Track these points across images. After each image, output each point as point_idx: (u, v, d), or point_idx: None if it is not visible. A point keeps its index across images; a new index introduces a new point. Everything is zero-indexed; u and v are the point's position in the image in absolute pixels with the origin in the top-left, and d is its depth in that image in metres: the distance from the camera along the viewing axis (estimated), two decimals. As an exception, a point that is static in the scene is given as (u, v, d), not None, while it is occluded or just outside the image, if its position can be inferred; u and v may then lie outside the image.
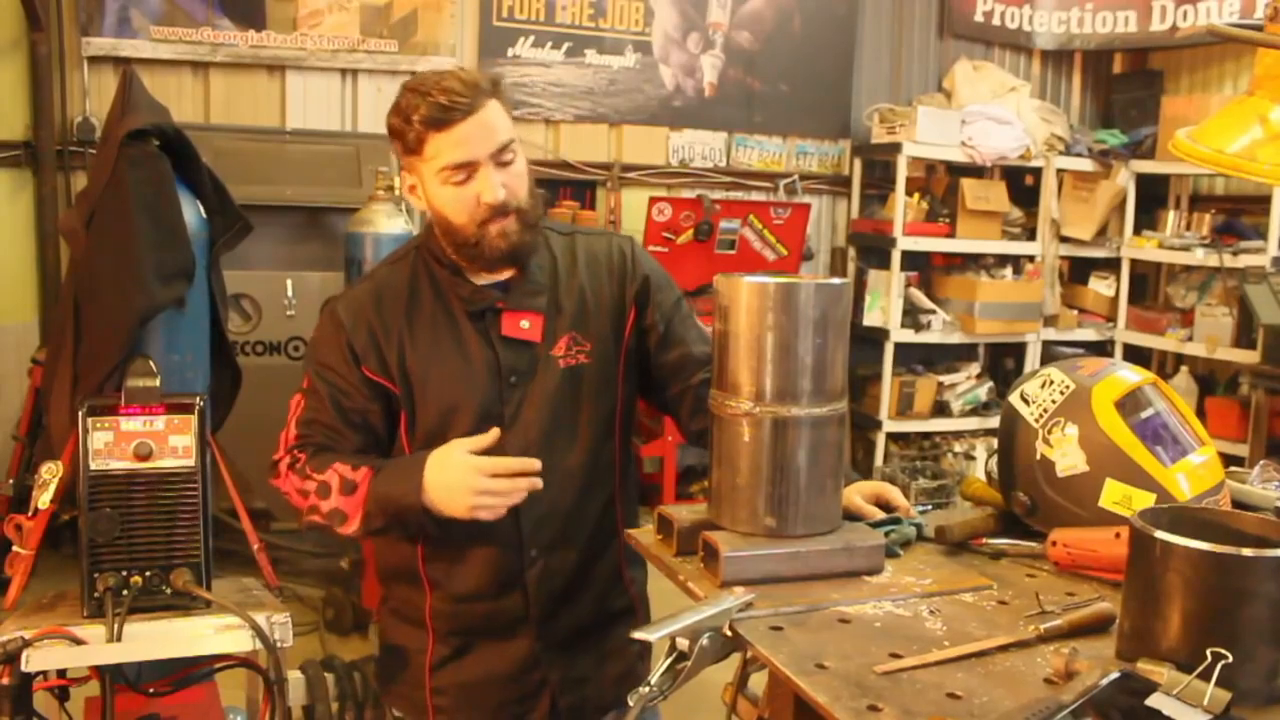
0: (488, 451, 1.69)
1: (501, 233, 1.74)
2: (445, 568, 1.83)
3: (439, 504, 1.67)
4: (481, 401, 1.78)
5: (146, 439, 1.81)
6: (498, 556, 1.81)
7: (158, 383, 1.85)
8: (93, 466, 1.78)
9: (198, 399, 1.86)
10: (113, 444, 1.79)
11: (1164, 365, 6.00)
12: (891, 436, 5.77)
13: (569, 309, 1.83)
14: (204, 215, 2.31)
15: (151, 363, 1.89)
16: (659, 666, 1.27)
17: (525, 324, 1.80)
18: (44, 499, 1.88)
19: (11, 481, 4.11)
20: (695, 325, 1.93)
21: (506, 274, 1.82)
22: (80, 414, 1.79)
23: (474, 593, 1.83)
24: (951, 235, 5.69)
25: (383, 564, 1.95)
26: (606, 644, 1.91)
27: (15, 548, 1.89)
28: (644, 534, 1.70)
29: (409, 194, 1.81)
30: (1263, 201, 5.38)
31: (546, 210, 1.92)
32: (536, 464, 1.68)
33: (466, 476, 1.66)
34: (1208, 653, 1.11)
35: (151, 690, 1.89)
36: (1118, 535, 1.47)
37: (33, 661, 1.67)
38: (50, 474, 1.89)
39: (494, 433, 1.70)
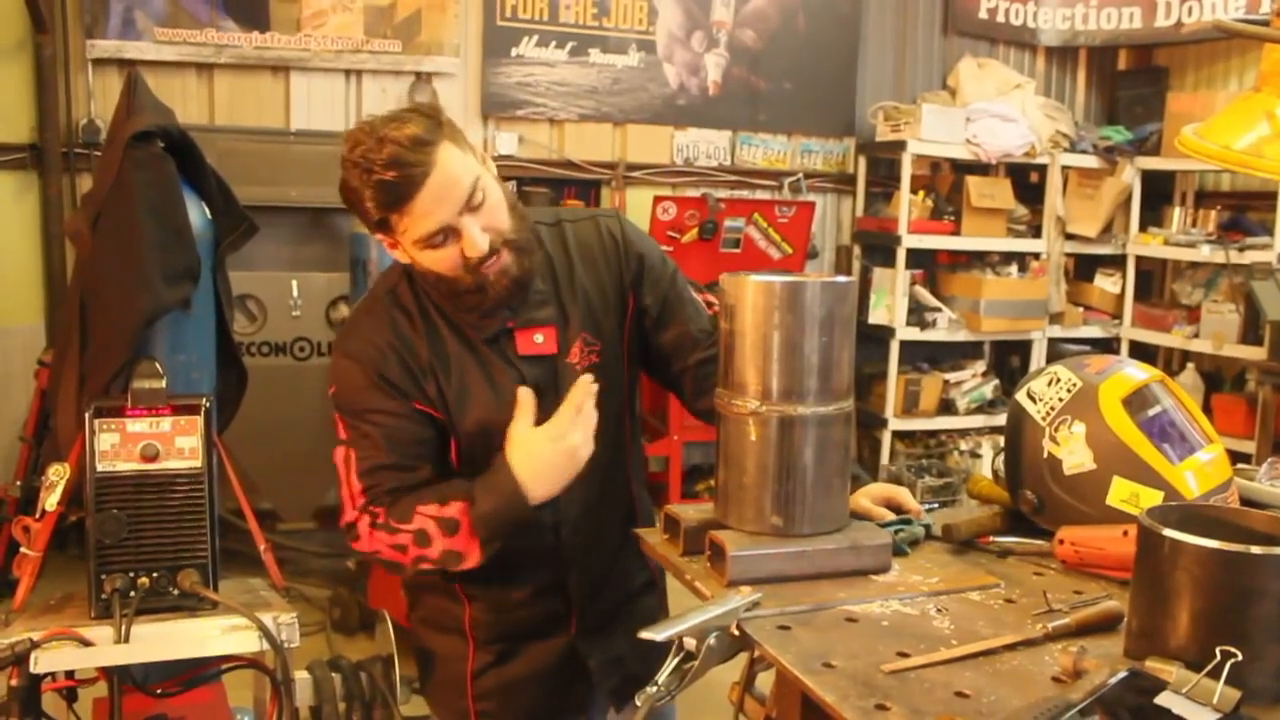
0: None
1: (501, 271, 1.66)
2: (483, 583, 1.80)
3: (548, 489, 1.64)
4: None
5: (153, 440, 1.81)
6: (537, 565, 1.79)
7: (164, 384, 1.85)
8: (99, 468, 1.78)
9: (204, 400, 1.86)
10: (119, 445, 1.80)
11: (1170, 362, 5.98)
12: (897, 435, 5.76)
13: (577, 313, 1.79)
14: (209, 216, 2.31)
15: (157, 364, 1.89)
16: (666, 666, 1.27)
17: (539, 339, 1.76)
18: (51, 501, 1.88)
19: (19, 483, 4.11)
20: (691, 300, 1.87)
21: None
22: (87, 415, 1.79)
23: (516, 602, 1.82)
24: (956, 233, 5.68)
25: (411, 579, 1.90)
26: (636, 619, 1.87)
27: (23, 549, 1.90)
28: (651, 533, 1.71)
29: (389, 250, 1.70)
30: (1269, 197, 5.36)
31: (555, 201, 1.88)
32: (587, 379, 1.65)
33: (556, 445, 1.62)
34: (1217, 651, 1.11)
35: (159, 691, 1.89)
36: (1125, 533, 1.47)
37: (41, 663, 1.68)
38: (57, 476, 1.89)
39: (526, 392, 1.66)
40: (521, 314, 1.75)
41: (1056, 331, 5.95)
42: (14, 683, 1.70)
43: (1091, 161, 5.88)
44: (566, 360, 1.77)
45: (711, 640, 1.29)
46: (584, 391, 1.64)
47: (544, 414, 1.68)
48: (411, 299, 1.76)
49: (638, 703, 1.24)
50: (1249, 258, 5.26)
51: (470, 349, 1.75)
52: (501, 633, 1.84)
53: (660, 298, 1.85)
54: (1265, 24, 1.60)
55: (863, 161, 5.96)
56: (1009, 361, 6.18)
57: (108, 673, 1.78)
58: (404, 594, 1.97)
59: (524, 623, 1.83)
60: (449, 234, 1.61)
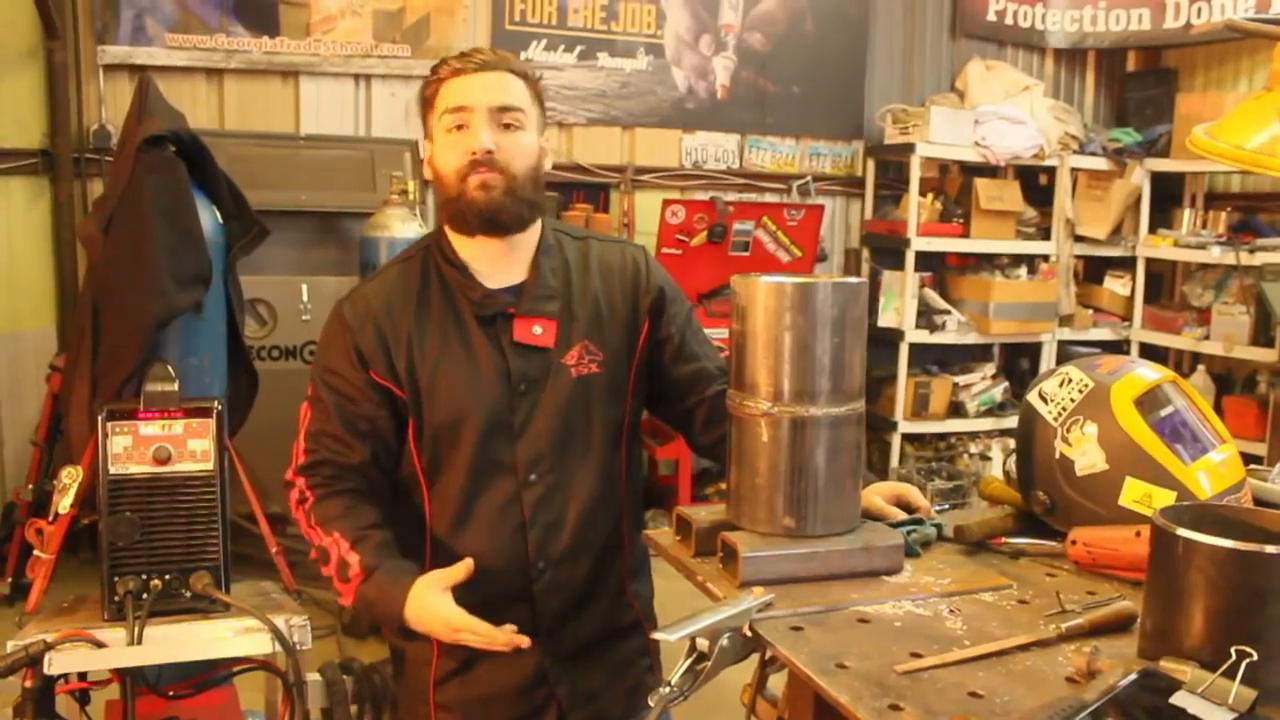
0: (468, 600, 1.67)
1: (481, 184, 1.71)
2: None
3: (416, 628, 1.69)
4: (490, 409, 1.74)
5: (165, 443, 1.82)
6: (504, 569, 1.78)
7: (176, 387, 1.86)
8: (112, 471, 1.79)
9: (215, 403, 1.87)
10: (132, 448, 1.80)
11: (1180, 364, 5.96)
12: (907, 437, 5.75)
13: (583, 316, 1.80)
14: (220, 220, 2.32)
15: (170, 367, 1.90)
16: (679, 667, 1.27)
17: (538, 330, 1.76)
18: (64, 503, 1.89)
19: (31, 487, 4.13)
20: (706, 340, 1.93)
21: (519, 278, 1.79)
22: (99, 419, 1.80)
23: (480, 605, 1.77)
24: (965, 235, 5.67)
25: None
26: (615, 657, 1.89)
27: (36, 552, 1.91)
28: (662, 535, 1.70)
29: (427, 165, 1.82)
30: (1279, 199, 5.35)
31: (560, 213, 1.91)
32: (517, 639, 1.65)
33: (441, 630, 1.67)
34: (1232, 650, 1.10)
35: (172, 693, 1.90)
36: (1138, 534, 1.46)
37: (55, 664, 1.68)
38: (70, 478, 1.90)
39: (467, 564, 1.68)
40: (525, 302, 1.77)
41: (1066, 334, 5.93)
42: (28, 684, 1.70)
43: (1101, 163, 5.87)
44: (562, 361, 1.78)
45: (724, 641, 1.29)
46: (509, 637, 1.64)
47: (528, 407, 1.75)
48: (418, 272, 1.81)
49: (651, 703, 1.24)
50: (1259, 259, 5.24)
51: (460, 328, 1.77)
52: None
53: (679, 331, 1.88)
54: (1277, 23, 1.60)
55: (871, 164, 5.96)
56: (1018, 364, 6.17)
57: (121, 674, 1.78)
58: None
59: None
60: (465, 121, 1.71)
